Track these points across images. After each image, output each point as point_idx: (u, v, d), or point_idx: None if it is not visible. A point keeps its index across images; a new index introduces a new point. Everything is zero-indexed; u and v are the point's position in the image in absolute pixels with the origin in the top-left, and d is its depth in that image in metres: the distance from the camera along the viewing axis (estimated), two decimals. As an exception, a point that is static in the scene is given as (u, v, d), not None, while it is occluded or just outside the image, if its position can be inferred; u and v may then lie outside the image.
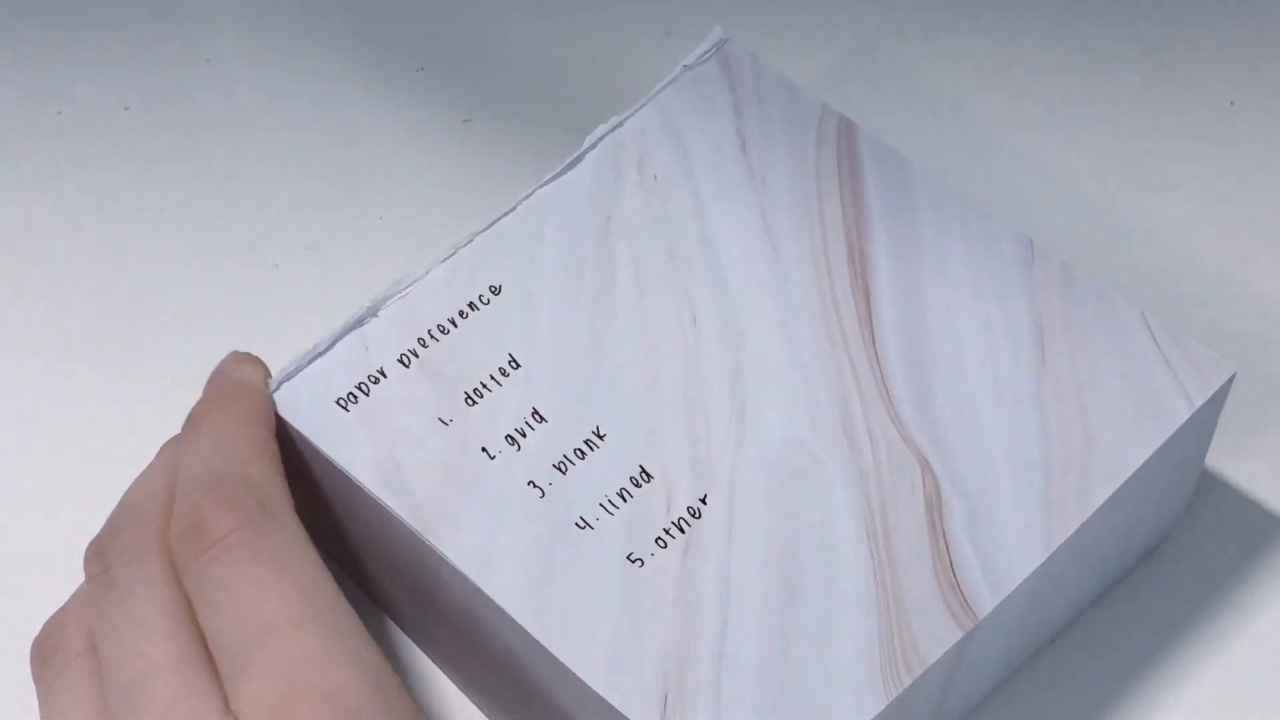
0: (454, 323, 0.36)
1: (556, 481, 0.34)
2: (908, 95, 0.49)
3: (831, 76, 0.49)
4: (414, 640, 0.39)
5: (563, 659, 0.32)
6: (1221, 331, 0.43)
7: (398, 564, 0.36)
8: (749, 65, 0.40)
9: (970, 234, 0.38)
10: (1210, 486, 0.41)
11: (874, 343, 0.36)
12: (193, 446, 0.34)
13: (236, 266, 0.45)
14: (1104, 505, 0.34)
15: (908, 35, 0.50)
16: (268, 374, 0.36)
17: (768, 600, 0.33)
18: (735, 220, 0.38)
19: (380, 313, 0.36)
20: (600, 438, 0.35)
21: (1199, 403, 0.35)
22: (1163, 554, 0.40)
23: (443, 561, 0.33)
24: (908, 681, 0.32)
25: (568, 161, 0.39)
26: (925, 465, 0.34)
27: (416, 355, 0.36)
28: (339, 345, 0.36)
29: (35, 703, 0.34)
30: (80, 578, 0.35)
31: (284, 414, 0.35)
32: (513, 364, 0.36)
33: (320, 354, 0.36)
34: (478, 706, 0.38)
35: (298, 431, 0.35)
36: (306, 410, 0.35)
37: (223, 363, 0.36)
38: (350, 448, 0.34)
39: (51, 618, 0.35)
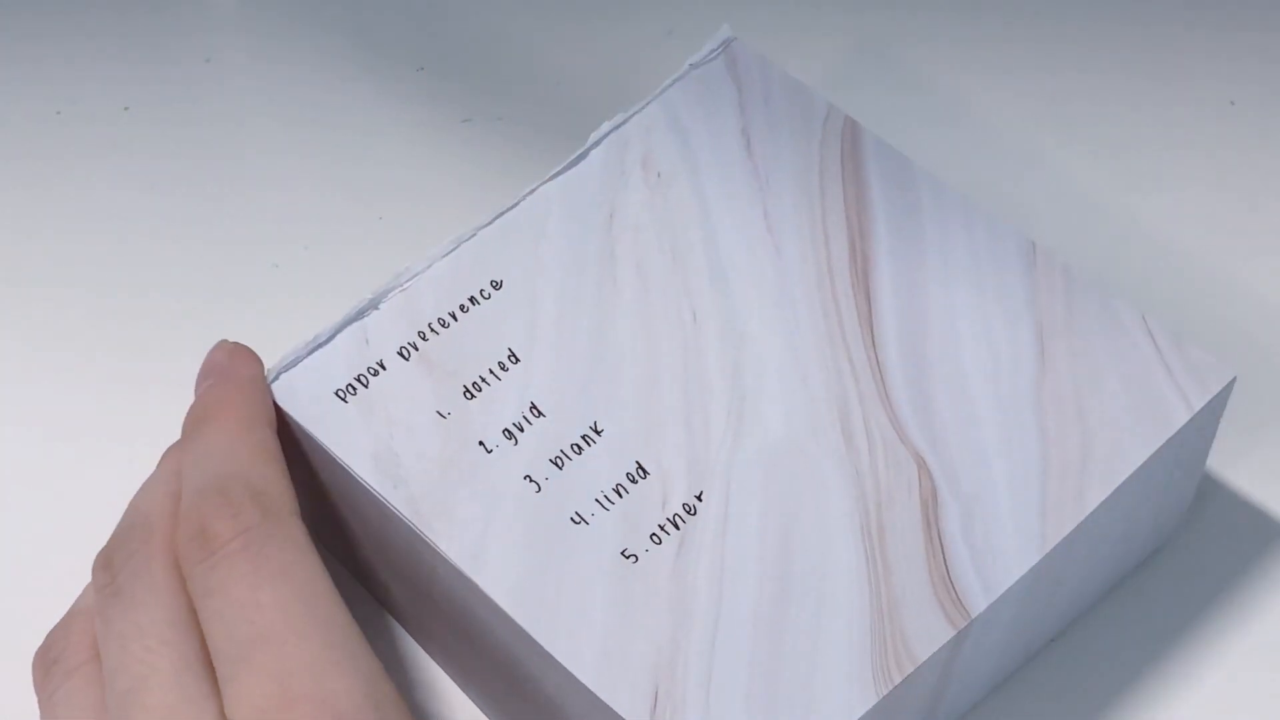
0: (454, 316, 0.36)
1: (553, 476, 0.34)
2: (913, 96, 0.49)
3: (837, 77, 0.49)
4: (409, 632, 0.39)
5: (554, 653, 0.32)
6: (1222, 332, 0.43)
7: (394, 555, 0.36)
8: (755, 64, 0.40)
9: (972, 235, 0.38)
10: (1211, 490, 0.41)
11: (874, 343, 0.36)
12: (196, 452, 0.34)
13: (236, 266, 0.45)
14: (1100, 508, 0.34)
15: (913, 37, 0.50)
16: (263, 366, 0.36)
17: (761, 597, 0.33)
18: (738, 218, 0.38)
19: (381, 305, 0.36)
20: (598, 433, 0.35)
21: (1198, 407, 0.35)
22: (1164, 557, 0.40)
23: (437, 554, 0.33)
24: (898, 679, 0.32)
25: (572, 157, 0.39)
26: (922, 465, 0.34)
27: (416, 348, 0.36)
28: (339, 337, 0.36)
29: (36, 711, 0.34)
30: (81, 582, 0.35)
31: (282, 404, 0.35)
32: (512, 358, 0.36)
33: (320, 345, 0.36)
34: (471, 700, 0.38)
35: (296, 422, 0.35)
36: (305, 401, 0.35)
37: (213, 353, 0.36)
38: (348, 439, 0.34)
39: (54, 628, 0.34)
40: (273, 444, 0.34)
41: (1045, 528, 0.33)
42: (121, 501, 0.35)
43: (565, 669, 0.32)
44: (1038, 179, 0.47)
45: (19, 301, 0.45)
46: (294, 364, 0.36)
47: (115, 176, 0.47)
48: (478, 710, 0.38)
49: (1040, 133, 0.48)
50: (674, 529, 0.33)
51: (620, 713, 0.31)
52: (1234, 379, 0.36)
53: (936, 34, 0.50)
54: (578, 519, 0.34)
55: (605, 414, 0.35)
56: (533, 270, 0.37)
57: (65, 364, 0.44)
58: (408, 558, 0.35)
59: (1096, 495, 0.34)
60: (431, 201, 0.47)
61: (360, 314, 0.36)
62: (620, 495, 0.34)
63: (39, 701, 0.34)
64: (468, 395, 0.35)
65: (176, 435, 0.36)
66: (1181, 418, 0.35)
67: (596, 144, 0.39)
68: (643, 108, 0.39)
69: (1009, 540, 0.33)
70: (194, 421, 0.35)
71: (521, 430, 0.35)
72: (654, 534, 0.33)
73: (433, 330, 0.36)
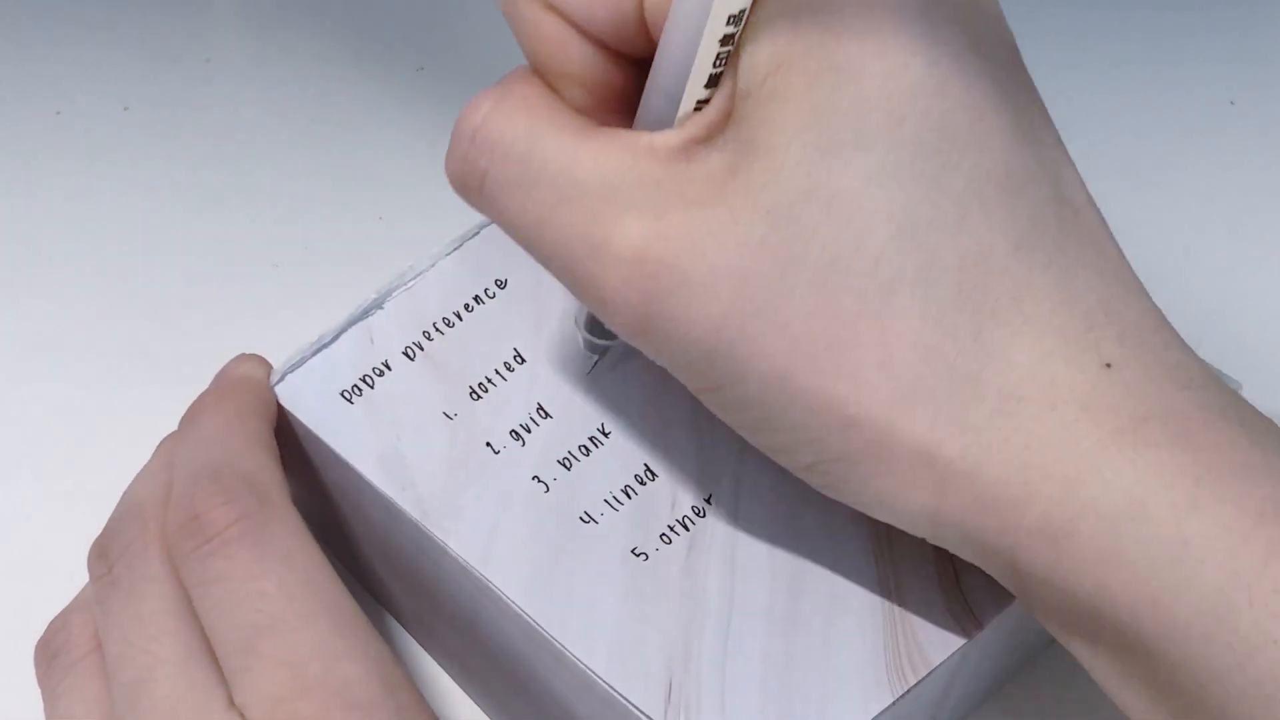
0: (459, 316, 0.36)
1: (561, 477, 0.34)
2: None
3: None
4: (412, 635, 0.38)
5: (568, 649, 0.32)
6: (1224, 336, 0.43)
7: (399, 558, 0.35)
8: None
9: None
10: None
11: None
12: (188, 441, 0.34)
13: (236, 266, 0.45)
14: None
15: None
16: (268, 368, 0.36)
17: (773, 597, 0.33)
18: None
19: (385, 305, 0.36)
20: (605, 435, 0.35)
21: None
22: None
23: (445, 554, 0.33)
24: (912, 680, 0.32)
25: (574, 156, 0.39)
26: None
27: (421, 348, 0.36)
28: (344, 337, 0.36)
29: (40, 703, 0.34)
30: (82, 578, 0.35)
31: (287, 405, 0.35)
32: (518, 359, 0.36)
33: (325, 346, 0.36)
34: (475, 701, 0.38)
35: (301, 423, 0.35)
36: (310, 402, 0.35)
37: (226, 365, 0.36)
38: (354, 440, 0.34)
39: (54, 619, 0.34)
40: (266, 434, 0.34)
41: None
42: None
43: (578, 665, 0.32)
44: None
45: (19, 301, 0.45)
46: (299, 365, 0.35)
47: (115, 176, 0.47)
48: (479, 711, 0.38)
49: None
50: (684, 530, 0.33)
51: (636, 705, 0.31)
52: (1240, 387, 0.36)
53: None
54: (587, 518, 0.34)
55: (612, 416, 0.35)
56: (537, 268, 0.37)
57: (65, 363, 0.44)
58: (413, 558, 0.35)
59: None
60: (432, 201, 0.46)
61: (365, 314, 0.36)
62: (629, 496, 0.34)
63: (43, 695, 0.33)
64: (474, 396, 0.35)
65: (177, 433, 0.36)
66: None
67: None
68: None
69: None
70: (189, 414, 0.35)
71: (529, 431, 0.35)
72: (664, 534, 0.33)
73: (438, 330, 0.36)
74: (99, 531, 0.35)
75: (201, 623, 0.31)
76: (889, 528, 0.33)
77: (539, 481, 0.34)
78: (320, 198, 0.47)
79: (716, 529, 0.33)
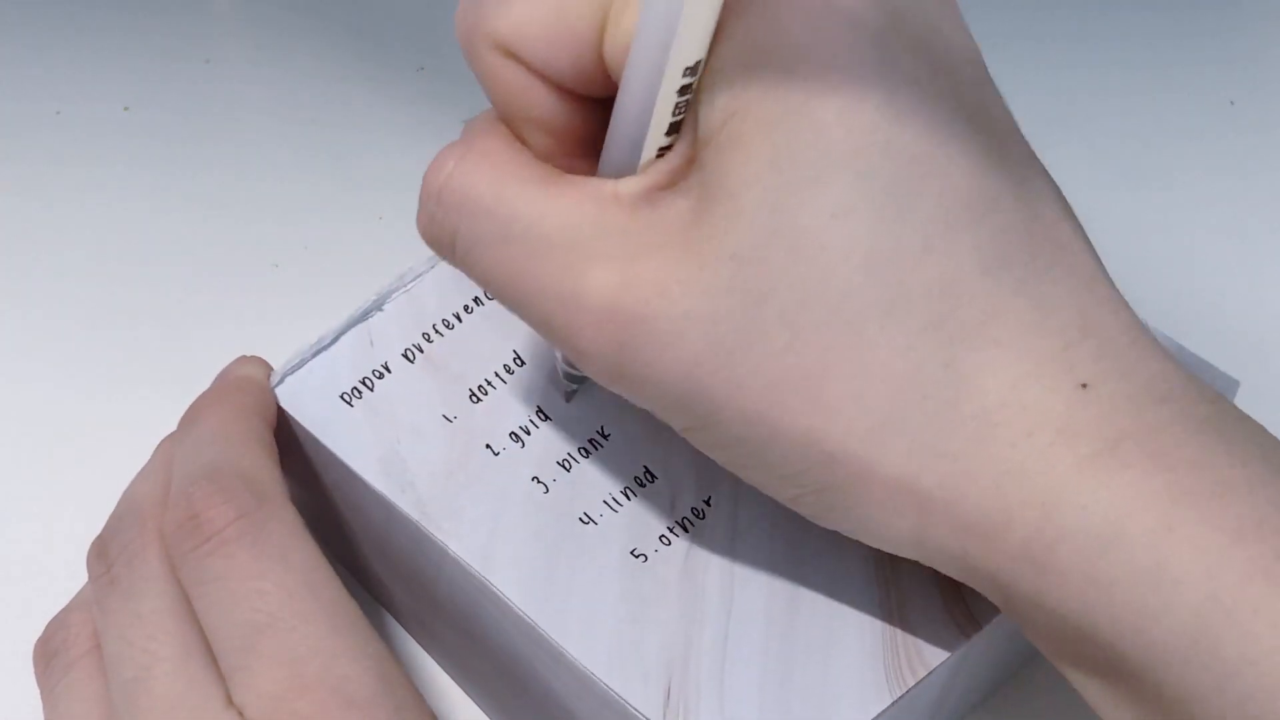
0: (459, 318, 0.36)
1: (560, 478, 0.34)
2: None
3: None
4: (412, 634, 0.39)
5: (566, 649, 0.32)
6: (1224, 335, 0.43)
7: (399, 559, 0.36)
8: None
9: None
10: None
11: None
12: (187, 441, 0.34)
13: (236, 266, 0.45)
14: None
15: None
16: (268, 370, 0.36)
17: (771, 599, 0.33)
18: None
19: (385, 307, 0.36)
20: (605, 437, 0.35)
21: None
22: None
23: (445, 555, 0.33)
24: (911, 682, 0.32)
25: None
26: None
27: (421, 350, 0.36)
28: (343, 339, 0.36)
29: (39, 703, 0.34)
30: (81, 578, 0.35)
31: (287, 407, 0.35)
32: (518, 361, 0.36)
33: (325, 347, 0.36)
34: (475, 701, 0.38)
35: (300, 425, 0.35)
36: (310, 404, 0.35)
37: (227, 366, 0.36)
38: (354, 443, 0.34)
39: (53, 619, 0.34)
40: (265, 435, 0.34)
41: None
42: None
43: (577, 665, 0.32)
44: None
45: (19, 301, 0.45)
46: (298, 367, 0.35)
47: (115, 176, 0.47)
48: (478, 710, 0.38)
49: (1039, 132, 0.48)
50: (683, 532, 0.33)
51: (634, 706, 0.31)
52: (1237, 385, 0.36)
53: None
54: (586, 519, 0.34)
55: (611, 418, 0.35)
56: None
57: (65, 363, 0.44)
58: (414, 561, 0.35)
59: None
60: (432, 201, 0.47)
61: (364, 315, 0.36)
62: (628, 498, 0.34)
63: (41, 694, 0.34)
64: (474, 398, 0.35)
65: (176, 433, 0.36)
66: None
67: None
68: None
69: None
70: (188, 415, 0.36)
71: (528, 434, 0.35)
72: (663, 535, 0.33)
73: (437, 332, 0.36)
74: (98, 531, 0.35)
75: (200, 622, 0.32)
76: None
77: (538, 483, 0.34)
78: (320, 198, 0.47)
79: (715, 531, 0.33)
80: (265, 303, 0.45)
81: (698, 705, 0.31)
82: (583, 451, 0.35)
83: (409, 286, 0.36)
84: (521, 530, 0.33)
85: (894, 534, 0.28)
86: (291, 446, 0.36)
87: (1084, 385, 0.27)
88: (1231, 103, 0.48)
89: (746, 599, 0.33)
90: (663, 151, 0.28)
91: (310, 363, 0.36)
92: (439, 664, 0.38)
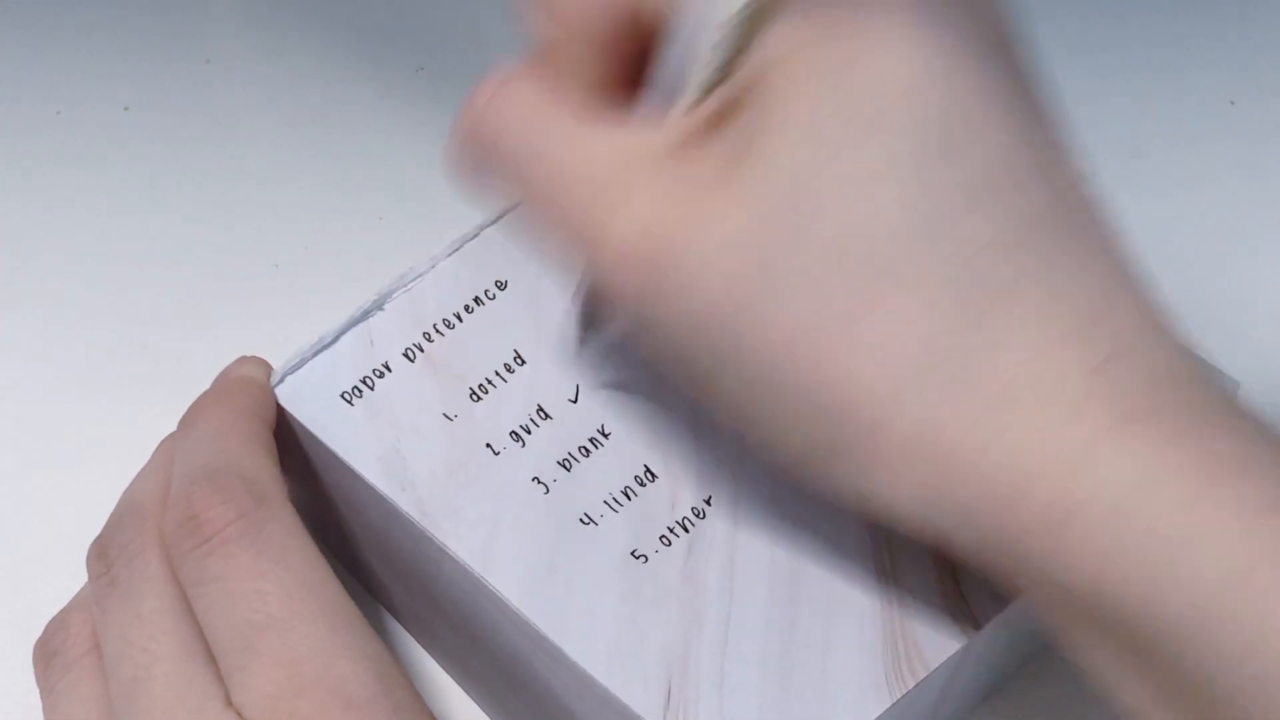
0: (459, 317, 0.36)
1: (561, 478, 0.34)
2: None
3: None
4: (412, 634, 0.39)
5: (566, 650, 0.32)
6: (1225, 335, 0.43)
7: (399, 559, 0.36)
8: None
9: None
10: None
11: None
12: (187, 441, 0.34)
13: (237, 266, 0.45)
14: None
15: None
16: (268, 370, 0.36)
17: (772, 600, 0.33)
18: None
19: (386, 306, 0.36)
20: (605, 436, 0.35)
21: None
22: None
23: (445, 555, 0.33)
24: (911, 683, 0.32)
25: (573, 157, 0.39)
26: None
27: (422, 350, 0.36)
28: (344, 338, 0.36)
29: (38, 703, 0.34)
30: (81, 578, 0.35)
31: (287, 407, 0.35)
32: (518, 360, 0.36)
33: (325, 347, 0.36)
34: (475, 701, 0.38)
35: (301, 424, 0.35)
36: (310, 403, 0.35)
37: (227, 366, 0.36)
38: (355, 442, 0.34)
39: (53, 619, 0.34)
40: (265, 435, 0.34)
41: None
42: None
43: (577, 666, 0.32)
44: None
45: (18, 301, 0.45)
46: (299, 366, 0.35)
47: (115, 176, 0.47)
48: (478, 710, 0.38)
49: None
50: (683, 531, 0.33)
51: (634, 708, 0.31)
52: (1238, 386, 0.36)
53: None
54: (586, 520, 0.34)
55: (612, 417, 0.35)
56: (537, 270, 0.37)
57: (65, 363, 0.44)
58: (413, 559, 0.35)
59: None
60: (432, 201, 0.46)
61: (365, 315, 0.36)
62: (629, 498, 0.34)
63: (41, 694, 0.34)
64: (474, 397, 0.35)
65: (176, 433, 0.36)
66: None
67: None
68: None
69: None
70: (188, 415, 0.36)
71: (529, 432, 0.35)
72: (663, 535, 0.33)
73: (438, 331, 0.36)
74: (98, 532, 0.35)
75: (199, 622, 0.32)
76: (889, 529, 0.33)
77: (539, 483, 0.34)
78: (320, 198, 0.47)
79: (716, 530, 0.33)
80: (265, 303, 0.45)
81: (697, 706, 0.31)
82: (583, 450, 0.35)
83: (409, 286, 0.37)
84: (521, 531, 0.33)
85: (899, 501, 0.28)
86: (292, 446, 0.36)
87: (1106, 360, 0.27)
88: (1232, 103, 0.48)
89: (747, 599, 0.33)
90: (706, 96, 0.28)
91: (310, 362, 0.36)
92: (439, 663, 0.38)
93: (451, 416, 0.35)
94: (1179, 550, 0.26)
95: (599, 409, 0.35)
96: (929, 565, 0.33)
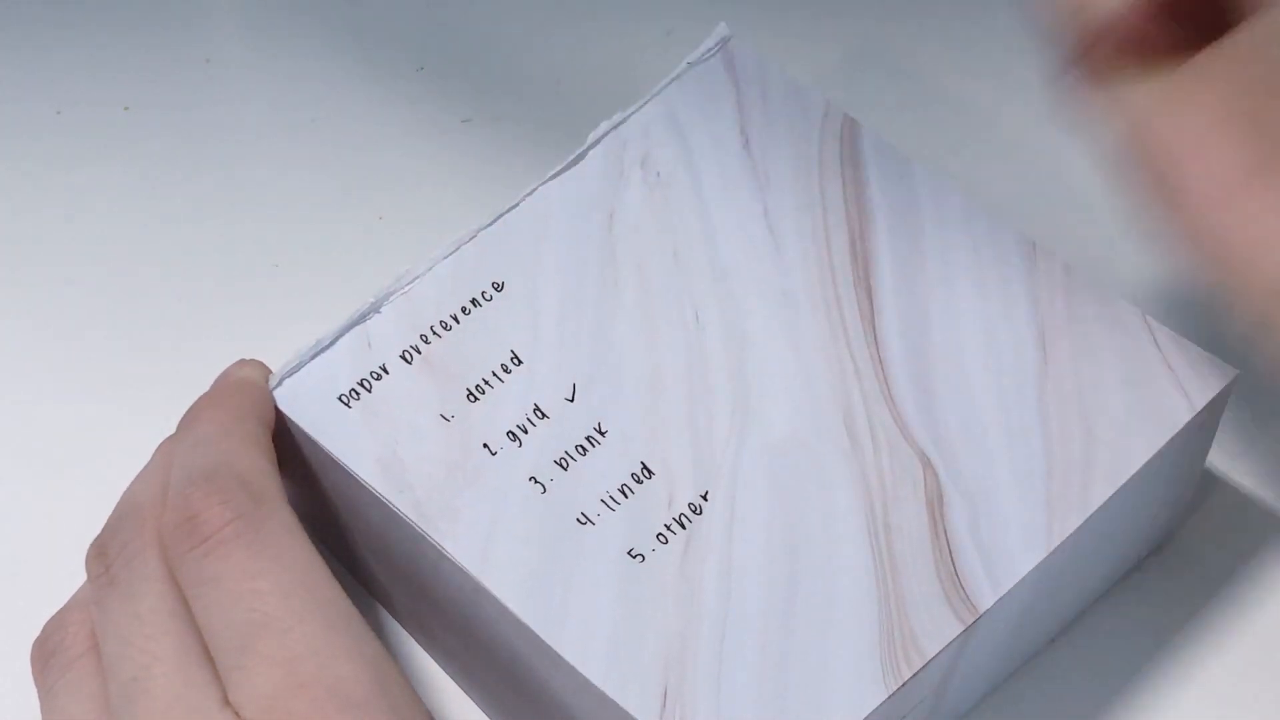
0: (456, 319, 0.36)
1: (558, 478, 0.34)
2: (912, 95, 0.49)
3: (835, 75, 0.49)
4: (410, 633, 0.39)
5: (562, 653, 0.32)
6: (1223, 325, 0.43)
7: (397, 560, 0.36)
8: (753, 62, 0.40)
9: (973, 234, 0.38)
10: (1212, 487, 0.41)
11: (876, 342, 0.36)
12: (185, 443, 0.34)
13: (236, 266, 0.45)
14: (1105, 505, 0.34)
15: (912, 35, 0.50)
16: (267, 372, 0.36)
17: (769, 595, 0.33)
18: (738, 217, 0.38)
19: (383, 308, 0.36)
20: (602, 434, 0.35)
21: (1199, 406, 0.35)
22: (1164, 554, 0.40)
23: (443, 556, 0.33)
24: (907, 674, 0.32)
25: (571, 158, 0.39)
26: (927, 464, 0.34)
27: (419, 351, 0.36)
28: (342, 341, 0.36)
29: (36, 703, 0.34)
30: (80, 578, 0.35)
31: (286, 409, 0.35)
32: (515, 360, 0.36)
33: (323, 350, 0.36)
34: (475, 701, 0.38)
35: (299, 427, 0.35)
36: (308, 406, 0.35)
37: (226, 369, 0.36)
38: (352, 443, 0.34)
39: (51, 619, 0.35)
40: (263, 437, 0.34)
41: (1051, 524, 0.33)
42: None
43: (573, 668, 0.32)
44: (1038, 178, 0.47)
45: (19, 301, 0.45)
46: (297, 369, 0.36)
47: (115, 176, 0.47)
48: (479, 711, 0.38)
49: (1040, 132, 0.48)
50: (680, 528, 0.34)
51: (630, 710, 0.31)
52: (1236, 377, 0.36)
53: (935, 33, 0.50)
54: (583, 519, 0.34)
55: (609, 415, 0.35)
56: (534, 271, 0.37)
57: (64, 363, 0.44)
58: (412, 560, 0.35)
59: (1101, 493, 0.34)
60: (432, 202, 0.47)
61: (362, 317, 0.36)
62: (626, 496, 0.34)
63: (39, 694, 0.34)
64: (471, 398, 0.35)
65: (175, 433, 0.36)
66: (1184, 417, 0.35)
67: (595, 144, 0.39)
68: (641, 107, 0.39)
69: (1015, 537, 0.33)
70: (187, 417, 0.36)
71: (525, 432, 0.35)
72: (660, 533, 0.33)
73: (435, 333, 0.36)
74: (98, 532, 0.35)
75: (198, 622, 0.32)
76: (885, 518, 0.33)
77: (536, 483, 0.34)
78: (320, 198, 0.47)
79: (713, 527, 0.34)
80: (265, 303, 0.45)
81: (695, 706, 0.31)
82: (580, 449, 0.35)
83: (406, 288, 0.37)
84: (518, 532, 0.33)
85: None
86: (290, 448, 0.36)
87: None
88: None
89: (743, 595, 0.33)
90: None
91: (308, 365, 0.36)
92: (437, 663, 0.38)
93: (449, 417, 0.35)
94: None
95: (596, 407, 0.35)
96: (926, 557, 0.33)
